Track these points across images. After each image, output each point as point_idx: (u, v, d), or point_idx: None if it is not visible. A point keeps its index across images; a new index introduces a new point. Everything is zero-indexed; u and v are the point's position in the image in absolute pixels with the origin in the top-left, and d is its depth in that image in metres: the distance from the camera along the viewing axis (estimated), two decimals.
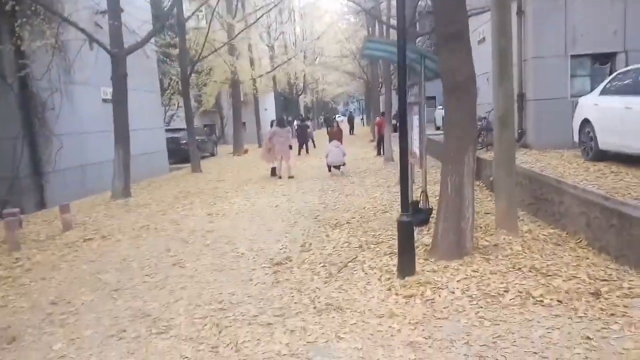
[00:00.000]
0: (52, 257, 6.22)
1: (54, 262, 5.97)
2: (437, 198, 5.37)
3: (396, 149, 15.07)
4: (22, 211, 10.04)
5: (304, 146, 20.23)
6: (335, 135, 13.50)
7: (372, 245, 5.82)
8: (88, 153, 11.91)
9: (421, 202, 6.82)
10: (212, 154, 22.82)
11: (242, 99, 30.17)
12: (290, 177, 12.60)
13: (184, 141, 18.09)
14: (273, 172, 13.06)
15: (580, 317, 3.54)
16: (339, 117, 48.40)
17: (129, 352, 3.35)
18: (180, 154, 18.70)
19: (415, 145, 7.12)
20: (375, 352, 3.22)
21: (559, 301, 3.81)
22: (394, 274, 4.69)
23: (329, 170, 12.82)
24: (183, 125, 22.15)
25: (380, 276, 4.70)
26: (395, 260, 5.01)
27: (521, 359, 3.04)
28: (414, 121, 7.04)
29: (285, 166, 12.77)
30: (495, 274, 4.42)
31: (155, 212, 9.01)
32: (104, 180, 11.28)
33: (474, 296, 4.00)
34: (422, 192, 6.76)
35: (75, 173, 11.64)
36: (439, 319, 3.66)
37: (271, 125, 13.13)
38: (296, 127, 20.96)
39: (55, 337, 3.69)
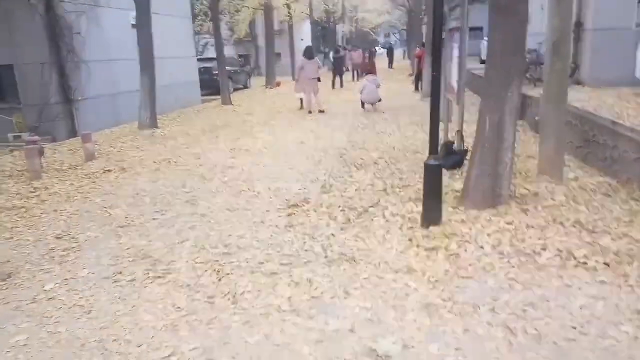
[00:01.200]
0: (69, 188, 6.11)
1: (69, 193, 5.85)
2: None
3: None
4: (54, 139, 10.13)
5: (340, 79, 19.32)
6: (368, 67, 12.60)
7: (398, 189, 5.35)
8: (119, 81, 11.65)
9: (456, 142, 6.21)
10: (245, 86, 22.27)
11: (276, 27, 29.00)
12: (321, 111, 12.04)
13: (217, 71, 17.57)
14: (302, 104, 12.52)
15: (631, 285, 3.03)
16: (378, 49, 46.00)
17: (120, 298, 3.14)
18: (213, 84, 18.17)
19: (453, 79, 6.39)
20: (386, 314, 2.86)
21: (605, 264, 3.29)
22: (417, 222, 4.26)
23: (362, 107, 12.13)
24: None
25: (402, 225, 4.28)
26: (420, 207, 4.56)
27: (556, 333, 2.60)
28: (454, 50, 6.25)
29: (314, 100, 12.16)
30: (533, 227, 3.90)
31: (180, 145, 8.78)
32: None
33: (505, 253, 3.53)
34: (457, 131, 6.12)
35: (106, 102, 11.51)
36: (463, 277, 3.24)
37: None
38: (332, 59, 19.93)
39: (51, 275, 3.53)
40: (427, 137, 8.55)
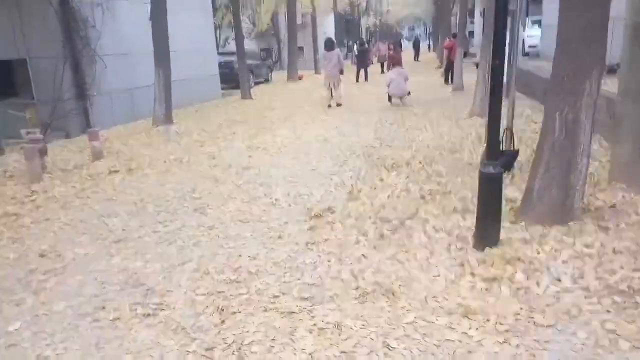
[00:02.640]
0: (69, 192, 5.51)
1: (67, 198, 5.25)
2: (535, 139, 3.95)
3: (468, 76, 13.17)
4: (67, 135, 9.65)
5: (365, 73, 18.46)
6: (395, 60, 11.77)
7: (438, 197, 4.56)
8: (136, 76, 11.06)
9: (504, 141, 5.36)
10: (267, 80, 21.61)
11: (299, 21, 28.24)
12: (339, 104, 11.36)
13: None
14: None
15: None
16: (403, 41, 44.78)
17: (97, 346, 2.46)
18: (234, 79, 17.50)
19: None
20: None
21: None
22: (468, 242, 3.47)
23: (389, 101, 11.29)
24: None
25: (449, 244, 3.50)
26: (469, 221, 3.77)
27: None
28: None
29: (335, 94, 11.46)
30: (621, 253, 3.08)
31: (194, 142, 8.15)
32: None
33: (592, 289, 2.72)
34: (506, 129, 5.27)
35: (123, 97, 10.99)
36: (541, 326, 2.45)
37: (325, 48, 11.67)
38: (356, 52, 19.08)
39: (20, 309, 2.88)
40: (463, 134, 7.82)
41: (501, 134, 5.46)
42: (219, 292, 2.96)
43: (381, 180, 5.32)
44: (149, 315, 2.72)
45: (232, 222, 4.28)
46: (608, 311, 2.52)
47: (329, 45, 11.69)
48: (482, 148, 6.34)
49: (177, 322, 2.64)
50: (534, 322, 2.47)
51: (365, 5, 33.46)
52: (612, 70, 8.57)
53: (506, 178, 4.94)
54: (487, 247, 3.31)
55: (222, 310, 2.72)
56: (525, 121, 7.74)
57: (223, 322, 2.62)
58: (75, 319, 2.73)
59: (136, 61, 11.05)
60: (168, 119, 9.97)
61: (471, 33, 29.53)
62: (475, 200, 4.26)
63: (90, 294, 3.02)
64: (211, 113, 11.96)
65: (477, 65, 18.63)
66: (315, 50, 23.98)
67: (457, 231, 3.69)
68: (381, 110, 10.64)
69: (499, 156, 3.24)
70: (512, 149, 5.20)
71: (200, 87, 14.27)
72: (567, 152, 3.46)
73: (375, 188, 5.04)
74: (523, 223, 3.66)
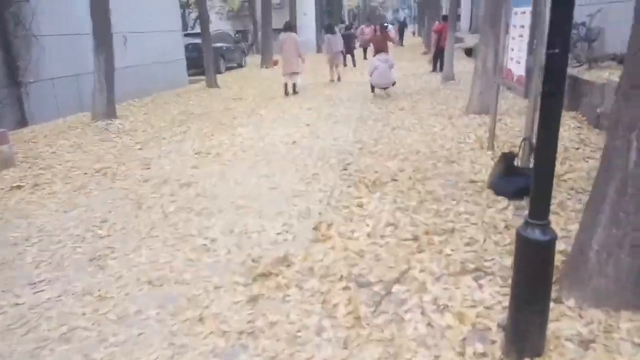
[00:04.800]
0: None
1: None
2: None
3: (458, 64, 11.83)
4: None
5: (352, 58, 17.08)
6: (380, 44, 10.43)
7: (437, 239, 3.24)
8: (83, 60, 9.42)
9: (520, 155, 4.07)
10: (240, 65, 19.98)
11: (278, 1, 26.43)
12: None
13: None
14: (286, 89, 10.77)
15: None
16: (386, 25, 43.13)
17: None
18: (202, 63, 15.90)
19: (517, 59, 4.23)
20: None
21: None
22: (492, 341, 2.17)
23: (372, 91, 9.92)
24: (211, 29, 19.16)
25: (462, 341, 2.19)
26: (487, 293, 2.49)
27: None
28: (517, 19, 4.11)
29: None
30: None
31: (134, 144, 6.70)
32: None
33: None
34: (524, 139, 3.98)
35: (66, 84, 9.40)
36: None
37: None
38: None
39: None
40: (460, 135, 6.50)
41: (519, 146, 4.21)
42: None
43: (360, 205, 3.98)
44: None
45: (136, 285, 2.89)
46: None
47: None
48: (485, 157, 5.05)
49: None
50: None
51: None
52: (622, 61, 7.34)
53: (523, 206, 3.67)
54: (528, 357, 2.01)
55: None
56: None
57: None
58: None
59: (83, 43, 9.38)
60: (110, 113, 8.43)
61: (457, 17, 28.07)
62: (490, 249, 3.00)
63: None
64: (168, 104, 10.44)
65: (466, 51, 17.45)
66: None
67: (473, 314, 2.38)
68: (363, 102, 9.26)
69: (546, 213, 1.91)
70: (529, 165, 3.89)
71: (163, 73, 12.69)
72: None
73: (351, 220, 3.71)
74: (572, 301, 2.37)
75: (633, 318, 2.21)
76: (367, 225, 3.56)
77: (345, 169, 5.02)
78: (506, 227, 3.32)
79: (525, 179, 3.79)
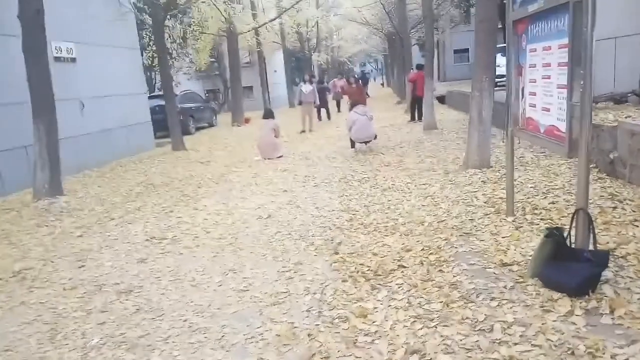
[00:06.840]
0: None
1: None
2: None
3: (436, 111, 11.12)
4: None
5: (327, 112, 16.51)
6: (356, 97, 9.62)
7: None
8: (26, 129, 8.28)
9: (573, 231, 3.04)
10: (211, 124, 19.12)
11: (247, 60, 26.13)
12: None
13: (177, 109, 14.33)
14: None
15: None
16: (361, 77, 43.74)
17: None
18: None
19: (538, 108, 3.33)
20: None
21: None
22: None
23: (353, 147, 9.03)
24: (179, 90, 18.35)
25: None
26: None
27: None
28: (532, 60, 3.24)
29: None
30: None
31: (73, 230, 5.47)
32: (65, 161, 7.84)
33: None
34: (576, 210, 2.96)
35: (13, 157, 8.22)
36: None
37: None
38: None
39: None
40: (466, 197, 4.67)
41: (571, 219, 3.21)
42: None
43: (363, 315, 2.86)
44: None
45: None
46: None
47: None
48: (508, 226, 4.04)
49: None
50: None
51: (316, 42, 31.88)
52: (620, 101, 6.65)
53: (592, 298, 2.61)
54: None
55: None
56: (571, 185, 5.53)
57: None
58: None
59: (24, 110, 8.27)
60: (55, 190, 7.19)
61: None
62: None
63: None
64: (127, 173, 9.28)
65: (439, 99, 17.06)
66: (264, 88, 21.82)
67: None
68: (344, 159, 8.33)
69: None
70: (594, 246, 2.87)
71: (126, 137, 11.64)
72: None
73: (355, 343, 2.57)
74: None
75: None
76: (380, 354, 2.43)
77: (337, 253, 3.92)
78: (588, 351, 2.24)
79: (589, 266, 2.77)
